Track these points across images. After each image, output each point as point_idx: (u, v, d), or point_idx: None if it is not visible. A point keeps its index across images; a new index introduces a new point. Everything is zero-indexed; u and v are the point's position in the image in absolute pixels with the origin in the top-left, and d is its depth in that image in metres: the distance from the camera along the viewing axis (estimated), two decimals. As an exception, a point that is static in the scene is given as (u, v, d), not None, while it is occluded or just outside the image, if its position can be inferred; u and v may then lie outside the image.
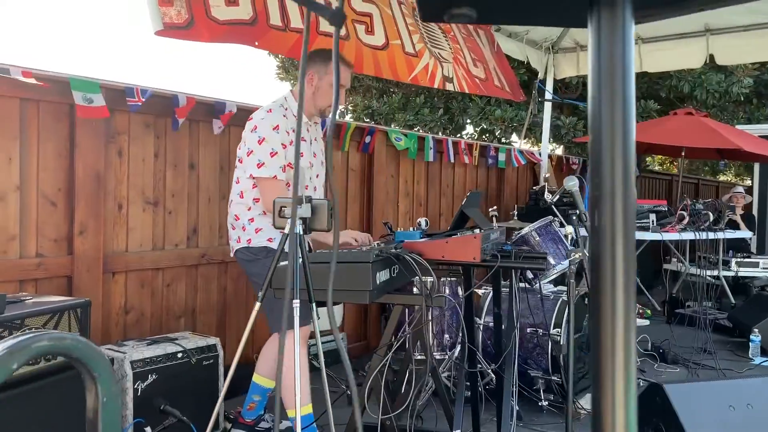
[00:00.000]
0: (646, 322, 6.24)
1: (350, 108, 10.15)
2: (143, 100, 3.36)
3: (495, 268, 2.35)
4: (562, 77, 7.65)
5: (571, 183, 2.66)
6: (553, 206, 4.51)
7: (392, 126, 9.25)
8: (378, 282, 2.12)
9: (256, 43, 3.76)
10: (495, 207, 4.03)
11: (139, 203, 3.57)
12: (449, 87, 5.24)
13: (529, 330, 3.68)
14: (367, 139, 5.06)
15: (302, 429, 2.50)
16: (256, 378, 3.09)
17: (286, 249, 2.20)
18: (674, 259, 7.35)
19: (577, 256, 2.51)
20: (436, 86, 5.15)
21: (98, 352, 0.96)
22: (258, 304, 2.36)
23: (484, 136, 9.74)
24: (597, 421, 0.62)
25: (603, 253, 0.62)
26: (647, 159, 13.58)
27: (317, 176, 3.06)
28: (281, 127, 2.80)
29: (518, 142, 8.99)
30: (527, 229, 4.02)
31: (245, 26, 3.73)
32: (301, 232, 1.89)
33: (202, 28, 3.52)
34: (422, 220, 2.81)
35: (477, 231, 2.38)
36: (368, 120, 9.70)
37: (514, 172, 7.33)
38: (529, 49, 6.95)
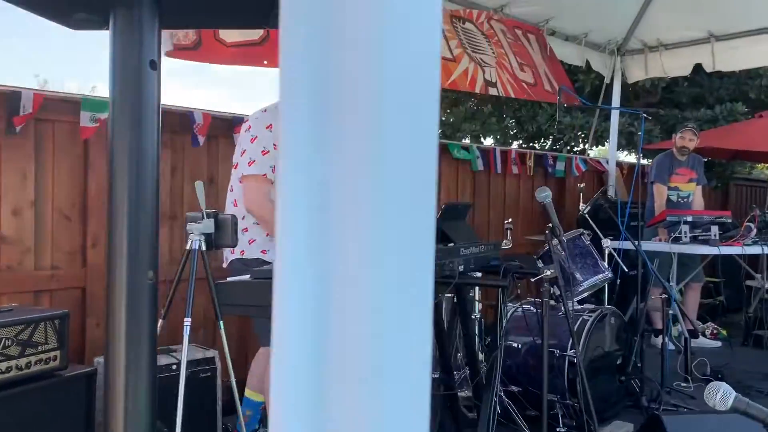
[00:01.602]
0: (718, 344, 5.73)
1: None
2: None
3: (453, 284, 2.21)
4: (633, 81, 7.25)
5: (543, 195, 2.47)
6: (587, 218, 4.28)
7: (457, 137, 9.11)
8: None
9: (265, 62, 3.80)
10: (510, 219, 3.85)
11: (156, 217, 3.68)
12: (492, 91, 5.09)
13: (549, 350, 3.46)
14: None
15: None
16: (247, 392, 3.09)
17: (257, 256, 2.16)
18: (760, 275, 6.74)
19: (548, 272, 2.32)
20: (477, 91, 5.02)
21: None
22: (221, 323, 2.35)
23: (556, 145, 9.38)
24: None
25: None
26: (757, 166, 12.58)
27: None
28: (275, 126, 2.78)
29: (591, 150, 8.61)
30: (552, 243, 3.83)
31: (253, 47, 3.77)
32: (204, 248, 1.85)
33: (209, 49, 3.60)
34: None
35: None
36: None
37: (578, 181, 6.98)
38: (591, 53, 6.63)
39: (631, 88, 8.79)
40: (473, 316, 3.40)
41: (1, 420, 2.31)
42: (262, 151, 2.72)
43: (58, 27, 0.73)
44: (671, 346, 5.31)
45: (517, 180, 6.22)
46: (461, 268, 2.37)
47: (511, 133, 8.86)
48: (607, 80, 7.05)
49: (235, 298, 2.12)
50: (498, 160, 5.77)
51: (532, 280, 2.43)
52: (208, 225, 1.84)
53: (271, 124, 2.76)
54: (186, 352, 2.04)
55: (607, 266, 3.86)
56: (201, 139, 3.71)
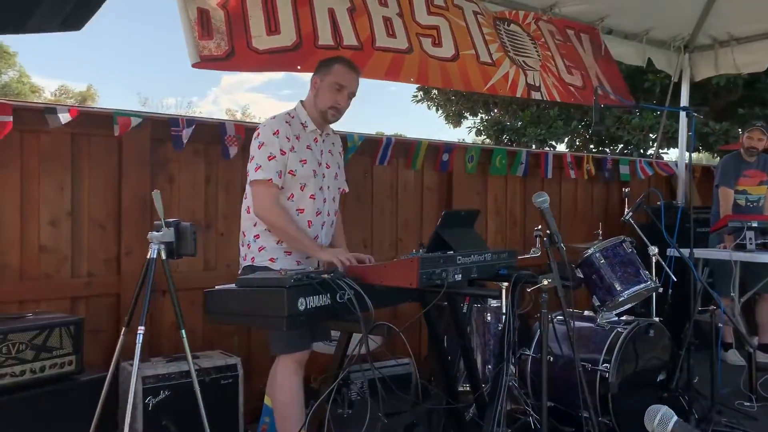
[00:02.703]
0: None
1: (476, 124, 9.94)
2: (186, 130, 3.55)
3: (441, 293, 2.12)
4: (700, 79, 6.83)
5: (540, 199, 2.33)
6: (632, 223, 4.05)
7: (523, 141, 8.89)
8: (302, 308, 2.02)
9: (299, 67, 3.82)
10: (539, 227, 3.69)
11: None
12: (536, 95, 4.93)
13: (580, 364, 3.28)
14: (444, 156, 4.90)
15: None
16: (266, 400, 3.10)
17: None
18: None
19: (545, 282, 2.17)
20: (519, 95, 4.88)
21: None
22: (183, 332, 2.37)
23: (627, 149, 8.99)
24: None
25: None
26: None
27: (328, 188, 2.97)
28: (281, 132, 2.78)
29: (666, 153, 8.19)
30: (591, 249, 3.65)
31: (287, 53, 3.81)
32: (164, 257, 1.86)
33: (242, 58, 3.66)
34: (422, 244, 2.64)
35: (423, 254, 2.17)
36: (497, 136, 9.42)
37: (644, 185, 6.62)
38: (653, 50, 6.29)
39: (710, 86, 8.32)
40: (499, 327, 3.28)
41: (16, 421, 2.42)
42: (269, 157, 2.73)
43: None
44: (741, 362, 4.94)
45: (575, 185, 5.98)
46: (458, 277, 2.29)
47: (574, 136, 8.53)
48: (674, 79, 6.68)
49: (221, 306, 2.13)
50: (550, 165, 5.56)
51: (528, 290, 2.31)
52: (168, 234, 1.86)
53: (278, 130, 2.77)
54: (138, 361, 2.06)
55: (650, 275, 3.62)
56: (232, 151, 3.78)
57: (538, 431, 3.15)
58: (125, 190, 3.51)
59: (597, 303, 3.63)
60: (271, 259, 2.80)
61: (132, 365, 3.09)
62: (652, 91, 7.87)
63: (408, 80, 4.30)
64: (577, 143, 9.98)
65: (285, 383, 2.74)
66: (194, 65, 3.54)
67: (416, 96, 11.44)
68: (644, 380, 3.34)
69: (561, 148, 9.95)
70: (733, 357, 5.14)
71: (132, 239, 3.52)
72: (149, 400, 2.95)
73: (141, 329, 2.02)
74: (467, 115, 11.75)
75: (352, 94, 2.94)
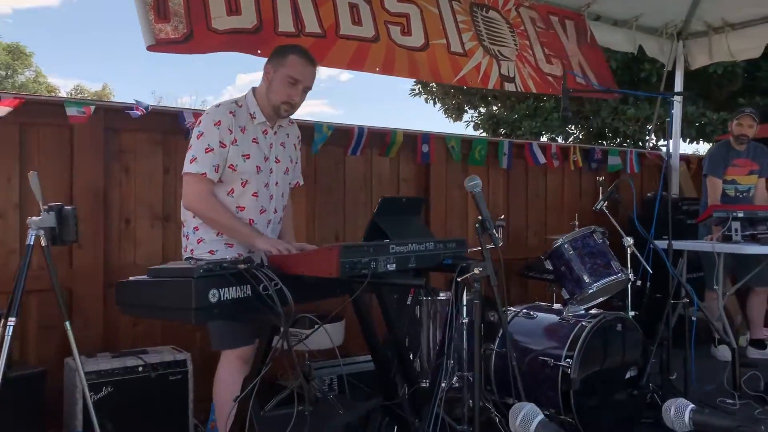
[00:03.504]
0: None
1: (474, 118, 9.79)
2: (143, 110, 3.45)
3: (365, 283, 2.00)
4: (696, 67, 6.63)
5: (471, 183, 2.20)
6: (607, 213, 3.90)
7: (520, 134, 8.73)
8: (215, 300, 1.90)
9: (259, 51, 3.70)
10: (503, 216, 3.56)
11: (147, 218, 3.68)
12: (509, 87, 4.77)
13: (540, 359, 3.15)
14: (424, 147, 4.76)
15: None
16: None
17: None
18: None
19: (476, 271, 2.04)
20: (491, 87, 4.72)
21: None
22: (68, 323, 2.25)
23: (626, 141, 8.80)
24: None
25: None
26: None
27: (276, 184, 2.84)
28: (223, 123, 2.64)
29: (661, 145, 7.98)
30: (560, 240, 3.51)
31: (247, 35, 3.70)
32: (43, 243, 1.74)
33: (201, 40, 3.55)
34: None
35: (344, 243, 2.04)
36: (493, 130, 9.26)
37: (638, 177, 6.43)
38: (645, 38, 6.10)
39: (713, 76, 8.10)
40: (461, 320, 3.14)
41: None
42: (206, 149, 2.59)
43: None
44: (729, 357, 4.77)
45: (561, 177, 5.82)
46: (391, 267, 2.16)
47: (581, 129, 8.36)
48: (668, 67, 6.49)
49: (133, 298, 2.03)
50: (538, 155, 5.41)
51: (458, 279, 2.17)
52: (47, 219, 1.75)
53: (220, 121, 2.63)
54: (5, 354, 1.95)
55: (621, 267, 3.48)
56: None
57: (500, 430, 3.02)
58: (77, 182, 3.42)
59: (566, 296, 3.49)
60: (211, 252, 2.68)
61: (74, 360, 3.02)
62: (649, 81, 7.68)
63: (373, 70, 4.17)
64: (581, 137, 9.80)
65: (227, 380, 2.62)
66: (149, 48, 3.43)
67: (414, 90, 11.30)
68: (611, 377, 3.19)
69: (558, 141, 9.79)
70: (724, 352, 4.96)
71: (85, 232, 3.41)
72: (90, 397, 2.84)
73: (12, 321, 1.90)
74: (467, 108, 11.60)
75: (308, 89, 2.78)
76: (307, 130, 4.17)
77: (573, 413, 2.97)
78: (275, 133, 2.82)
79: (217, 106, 2.74)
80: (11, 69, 32.97)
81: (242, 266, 1.96)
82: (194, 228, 2.73)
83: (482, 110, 10.78)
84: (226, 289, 1.95)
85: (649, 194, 5.96)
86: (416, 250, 2.28)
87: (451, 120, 12.07)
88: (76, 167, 3.42)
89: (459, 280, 2.12)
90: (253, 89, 2.81)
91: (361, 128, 4.40)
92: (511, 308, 3.50)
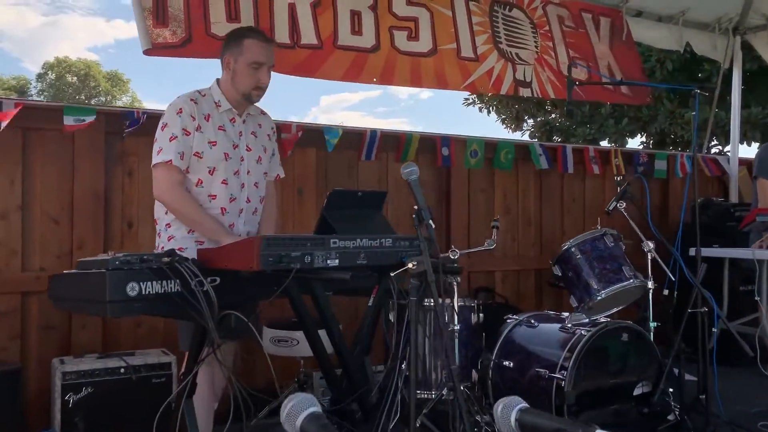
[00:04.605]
0: None
1: (531, 126, 9.48)
2: (142, 120, 3.48)
3: (290, 277, 1.86)
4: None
5: (407, 170, 2.03)
6: (625, 215, 3.60)
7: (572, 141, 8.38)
8: (134, 294, 1.83)
9: None
10: (497, 217, 3.35)
11: (150, 221, 3.68)
12: (525, 92, 4.56)
13: (536, 370, 2.91)
14: (444, 151, 4.60)
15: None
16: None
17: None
18: None
19: (410, 265, 1.86)
20: (503, 92, 4.53)
21: None
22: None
23: (689, 147, 8.27)
24: None
25: None
26: None
27: (247, 172, 2.76)
28: (185, 110, 2.61)
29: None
30: (567, 244, 3.28)
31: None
32: None
33: (200, 45, 3.56)
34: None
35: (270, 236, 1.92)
36: (547, 138, 8.94)
37: (682, 183, 5.98)
38: (693, 34, 5.71)
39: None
40: (451, 327, 2.96)
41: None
42: (170, 138, 2.57)
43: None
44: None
45: (602, 182, 5.49)
46: (332, 262, 2.03)
47: (625, 134, 7.94)
48: (725, 65, 6.05)
49: (59, 290, 1.99)
50: (569, 159, 5.12)
51: (392, 274, 2.00)
52: None
53: (181, 109, 2.61)
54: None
55: (635, 273, 3.19)
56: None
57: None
58: (77, 184, 3.48)
59: (575, 304, 3.24)
60: (180, 249, 2.62)
61: (63, 361, 3.05)
62: (710, 82, 7.19)
63: (370, 81, 4.08)
64: (647, 141, 9.30)
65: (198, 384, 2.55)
66: (145, 52, 3.48)
67: (467, 99, 11.11)
68: (616, 392, 2.91)
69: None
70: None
71: (84, 233, 3.47)
72: (69, 397, 2.85)
73: None
74: (526, 117, 11.29)
75: (272, 67, 2.74)
76: (316, 133, 4.12)
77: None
78: (244, 121, 2.78)
79: (179, 97, 2.72)
80: (110, 95, 35.22)
81: (166, 260, 1.89)
82: (166, 225, 2.70)
83: (540, 118, 10.46)
84: (149, 283, 1.87)
85: (699, 200, 5.52)
86: (367, 246, 2.14)
87: (510, 130, 11.78)
88: (77, 170, 3.48)
89: (393, 275, 1.96)
90: (217, 80, 2.78)
91: (373, 131, 4.29)
92: (515, 316, 3.28)
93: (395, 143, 4.44)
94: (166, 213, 2.69)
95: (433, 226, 1.89)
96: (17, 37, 57.24)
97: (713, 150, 8.16)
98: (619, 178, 3.73)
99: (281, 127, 3.95)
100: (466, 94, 11.44)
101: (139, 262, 1.86)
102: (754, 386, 4.31)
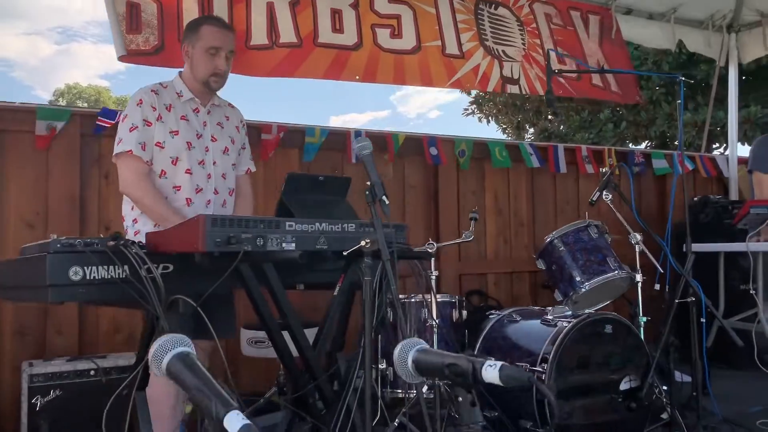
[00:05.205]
0: None
1: (529, 134, 9.41)
2: (111, 123, 3.44)
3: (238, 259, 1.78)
4: (749, 60, 6.06)
5: (359, 145, 1.95)
6: (611, 208, 3.51)
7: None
8: (77, 278, 1.76)
9: None
10: (476, 208, 3.27)
11: (129, 225, 3.64)
12: (512, 89, 4.49)
13: (516, 365, 2.79)
14: (432, 150, 4.53)
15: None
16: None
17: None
18: None
19: (363, 243, 1.77)
20: (490, 89, 4.46)
21: None
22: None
23: (687, 148, 8.14)
24: None
25: None
26: None
27: (213, 163, 2.69)
28: (145, 101, 2.57)
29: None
30: (550, 236, 3.19)
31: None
32: None
33: (173, 53, 3.51)
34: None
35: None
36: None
37: (689, 179, 5.87)
38: (686, 31, 5.63)
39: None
40: (432, 321, 2.87)
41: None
42: (130, 128, 2.53)
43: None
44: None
45: (595, 183, 5.37)
46: (288, 246, 1.95)
47: (623, 137, 7.84)
48: (720, 63, 5.96)
49: (3, 279, 1.92)
50: (561, 158, 5.03)
51: (344, 253, 1.90)
52: None
53: (141, 100, 2.57)
54: None
55: (621, 264, 3.09)
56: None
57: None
58: (52, 188, 3.43)
59: (559, 298, 3.14)
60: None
61: (32, 364, 2.97)
62: (707, 83, 7.10)
63: (352, 78, 4.02)
64: (648, 145, 9.17)
65: (158, 380, 2.47)
66: (120, 58, 3.46)
67: (467, 109, 11.07)
68: (601, 386, 2.79)
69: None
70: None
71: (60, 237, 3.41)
72: (36, 400, 2.77)
73: None
74: (527, 126, 11.22)
75: (231, 53, 2.70)
76: (298, 134, 4.06)
77: (549, 426, 2.60)
78: (209, 112, 2.73)
79: (141, 88, 2.68)
80: (120, 119, 35.49)
81: (111, 243, 1.81)
82: (133, 220, 2.65)
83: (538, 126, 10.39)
84: (94, 267, 1.80)
85: (696, 198, 5.41)
86: (327, 231, 2.06)
87: (513, 139, 11.71)
88: (51, 174, 3.43)
89: (346, 254, 1.88)
90: (180, 73, 2.74)
91: (358, 131, 4.23)
92: (497, 312, 3.18)
93: (382, 144, 4.37)
94: (132, 208, 2.64)
95: (387, 202, 1.81)
96: (30, 65, 58.22)
97: (715, 153, 8.02)
98: (604, 169, 3.64)
99: (262, 128, 3.91)
100: (471, 108, 11.43)
101: (82, 245, 1.79)
102: (752, 386, 4.19)
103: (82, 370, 2.90)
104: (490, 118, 10.75)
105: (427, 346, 1.33)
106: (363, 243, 1.78)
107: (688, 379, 3.20)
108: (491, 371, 1.27)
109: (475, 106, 11.09)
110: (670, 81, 6.96)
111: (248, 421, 1.04)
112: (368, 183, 1.84)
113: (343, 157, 4.27)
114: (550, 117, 10.51)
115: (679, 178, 3.55)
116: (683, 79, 3.33)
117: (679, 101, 3.39)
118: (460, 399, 1.34)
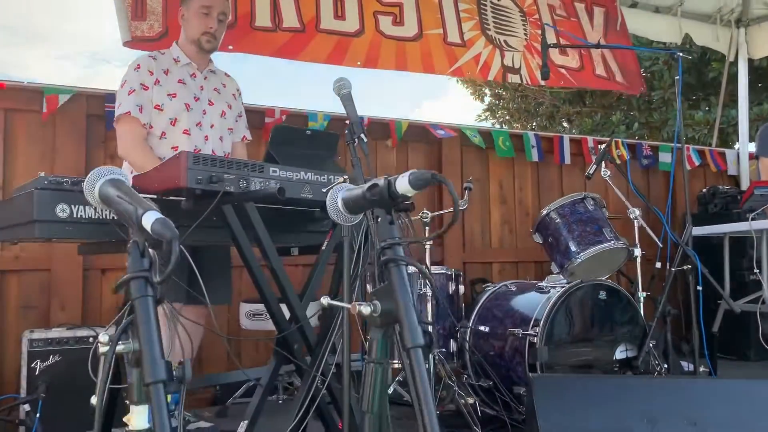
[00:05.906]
0: None
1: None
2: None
3: (217, 200, 1.80)
4: (759, 57, 6.02)
5: (338, 84, 1.97)
6: (608, 182, 3.50)
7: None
8: (64, 215, 1.80)
9: (230, 47, 3.73)
10: (470, 178, 3.28)
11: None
12: (513, 78, 4.52)
13: (509, 331, 2.79)
14: (440, 132, 4.53)
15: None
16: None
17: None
18: None
19: (342, 180, 1.80)
20: (491, 78, 4.49)
21: None
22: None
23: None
24: None
25: None
26: None
27: (211, 126, 2.76)
28: (143, 66, 2.65)
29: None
30: (546, 209, 3.19)
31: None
32: None
33: (175, 38, 3.60)
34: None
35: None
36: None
37: (697, 177, 5.82)
38: (693, 25, 5.62)
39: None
40: (422, 291, 2.88)
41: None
42: (129, 92, 2.61)
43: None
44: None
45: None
46: (271, 185, 1.97)
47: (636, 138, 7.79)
48: (729, 58, 5.93)
49: (-5, 221, 1.97)
50: (566, 150, 5.03)
51: (324, 190, 1.92)
52: None
53: (139, 65, 2.66)
54: None
55: (617, 236, 3.08)
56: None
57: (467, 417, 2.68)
58: (59, 167, 3.51)
59: (556, 270, 3.13)
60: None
61: (32, 332, 3.02)
62: (719, 81, 7.04)
63: (353, 64, 4.08)
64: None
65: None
66: (125, 44, 3.57)
67: (480, 116, 11.10)
68: (595, 352, 2.77)
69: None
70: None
71: (65, 214, 3.48)
72: (36, 364, 2.82)
73: None
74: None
75: (224, 16, 2.78)
76: (301, 119, 4.11)
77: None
78: (205, 78, 2.81)
79: (139, 56, 2.76)
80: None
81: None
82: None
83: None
84: (81, 207, 1.84)
85: (706, 189, 5.36)
86: (313, 181, 2.09)
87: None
88: (58, 153, 3.52)
89: (325, 190, 1.90)
90: (176, 41, 2.83)
91: (360, 117, 4.26)
92: (493, 284, 3.17)
93: (385, 130, 4.40)
94: (132, 172, 2.69)
95: (366, 140, 1.83)
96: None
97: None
98: (600, 146, 3.63)
99: (265, 112, 3.97)
100: (484, 115, 11.45)
101: (70, 183, 1.84)
102: (760, 375, 4.12)
103: (81, 336, 2.94)
104: (503, 124, 10.78)
105: (353, 186, 1.35)
106: (341, 180, 1.80)
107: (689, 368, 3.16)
108: (402, 180, 1.29)
109: (488, 113, 11.13)
110: (684, 83, 6.92)
111: (162, 216, 1.13)
112: (347, 122, 1.86)
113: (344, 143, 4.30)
114: (564, 124, 10.49)
115: (678, 160, 3.52)
116: (681, 54, 3.33)
117: (678, 77, 3.39)
118: (380, 219, 1.34)
